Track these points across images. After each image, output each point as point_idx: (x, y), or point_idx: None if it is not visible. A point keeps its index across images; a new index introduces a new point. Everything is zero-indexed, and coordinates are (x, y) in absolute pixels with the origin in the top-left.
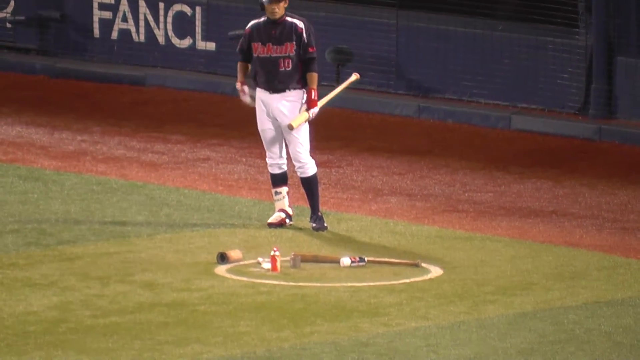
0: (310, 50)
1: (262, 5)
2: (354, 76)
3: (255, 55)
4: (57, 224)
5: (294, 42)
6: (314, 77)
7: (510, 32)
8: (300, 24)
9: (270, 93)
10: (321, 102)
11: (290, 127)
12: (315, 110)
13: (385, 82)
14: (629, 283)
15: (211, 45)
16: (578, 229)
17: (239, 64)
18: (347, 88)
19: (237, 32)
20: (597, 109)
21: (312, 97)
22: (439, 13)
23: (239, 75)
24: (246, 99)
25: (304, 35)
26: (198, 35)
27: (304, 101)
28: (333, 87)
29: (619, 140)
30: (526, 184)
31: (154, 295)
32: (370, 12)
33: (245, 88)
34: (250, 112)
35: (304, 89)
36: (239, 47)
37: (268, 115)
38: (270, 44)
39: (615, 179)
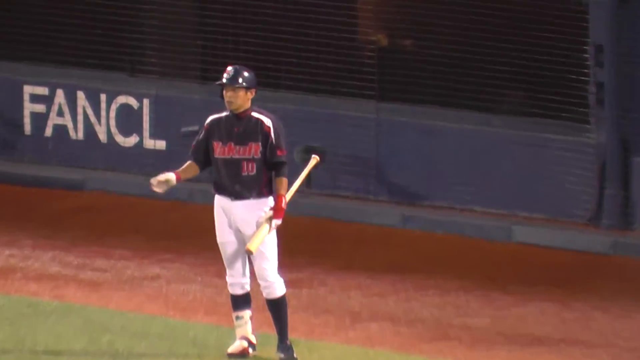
0: (279, 153)
1: (221, 92)
2: (313, 160)
3: (215, 156)
4: None
5: (260, 143)
6: (283, 183)
7: (509, 128)
8: (267, 121)
9: (231, 200)
10: (288, 194)
11: (249, 252)
12: (278, 222)
13: (364, 186)
14: None
15: (161, 144)
16: (590, 359)
17: (187, 162)
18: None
19: (191, 128)
20: (611, 218)
21: (281, 205)
22: (425, 106)
23: (179, 170)
24: (159, 187)
25: (272, 135)
26: (146, 132)
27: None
28: (304, 192)
29: (636, 254)
30: (529, 306)
31: None
32: (346, 104)
33: (162, 177)
34: (208, 222)
35: (271, 197)
36: (192, 147)
37: (229, 226)
38: (232, 143)
39: (632, 300)
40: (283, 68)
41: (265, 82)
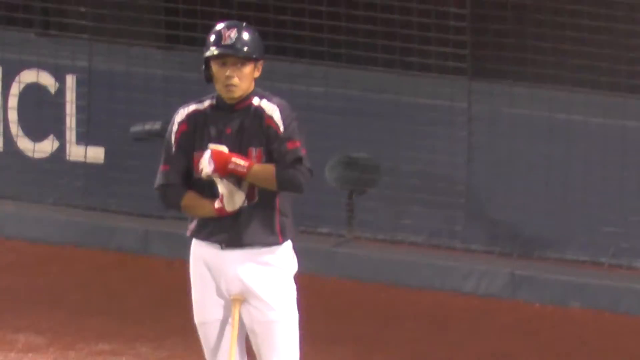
0: (291, 145)
1: (207, 74)
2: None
3: (196, 175)
4: None
5: (262, 148)
6: (269, 169)
7: None
8: (269, 107)
9: (221, 249)
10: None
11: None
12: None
13: (447, 226)
14: None
15: (96, 154)
16: None
17: (183, 202)
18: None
19: (148, 126)
20: None
21: (236, 161)
22: (550, 85)
23: (199, 208)
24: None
25: (277, 123)
26: (70, 133)
27: (293, 268)
28: (342, 237)
29: None
30: None
31: None
32: (413, 84)
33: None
34: (178, 289)
35: (288, 242)
36: (163, 170)
37: (219, 293)
38: None
39: None
40: (307, 22)
41: (277, 46)
